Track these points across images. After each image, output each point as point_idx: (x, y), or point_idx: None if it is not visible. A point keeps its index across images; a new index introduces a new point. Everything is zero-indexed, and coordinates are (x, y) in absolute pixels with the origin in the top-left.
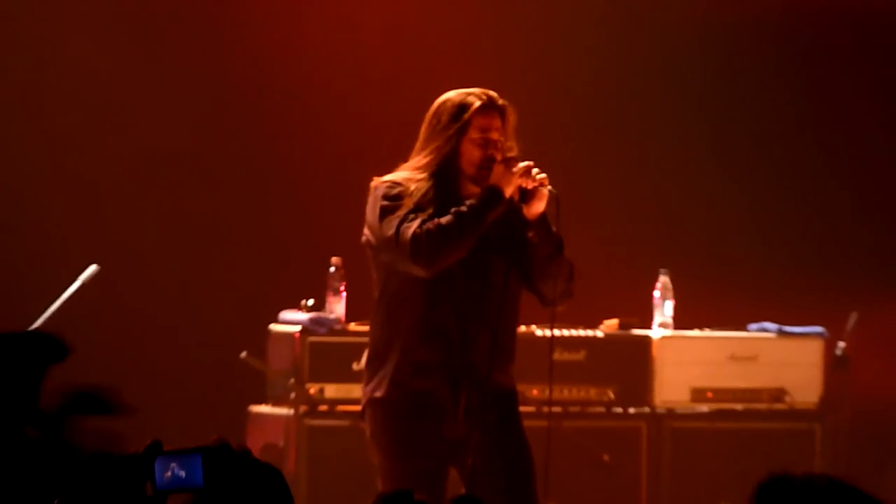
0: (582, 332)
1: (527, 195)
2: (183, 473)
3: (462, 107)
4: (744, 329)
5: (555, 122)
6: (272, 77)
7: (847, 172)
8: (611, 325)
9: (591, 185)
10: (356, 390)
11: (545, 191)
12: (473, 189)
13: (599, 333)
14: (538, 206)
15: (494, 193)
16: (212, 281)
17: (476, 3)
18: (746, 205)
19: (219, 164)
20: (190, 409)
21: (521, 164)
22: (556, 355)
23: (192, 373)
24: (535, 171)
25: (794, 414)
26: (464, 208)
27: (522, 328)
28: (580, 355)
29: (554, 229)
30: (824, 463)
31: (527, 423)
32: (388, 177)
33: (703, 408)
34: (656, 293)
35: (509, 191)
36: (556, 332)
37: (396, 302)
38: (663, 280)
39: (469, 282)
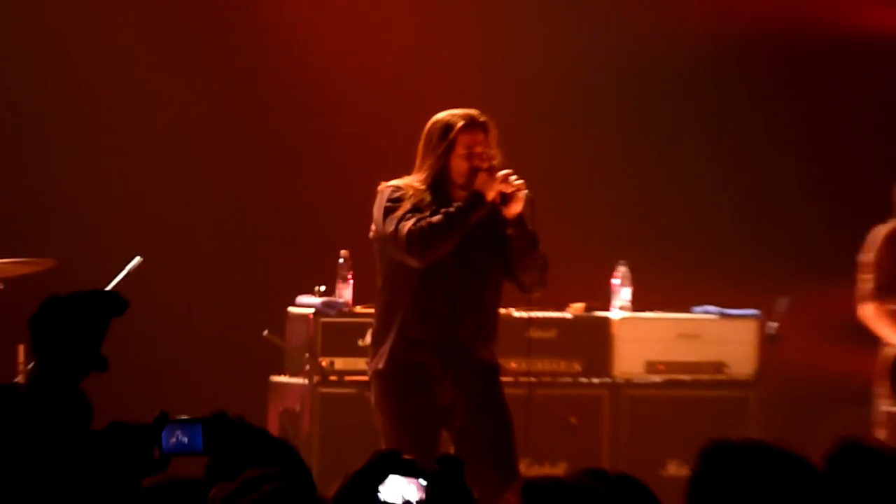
0: (553, 314)
1: (506, 198)
2: (186, 440)
3: (448, 127)
4: (689, 311)
5: (533, 134)
6: (291, 84)
7: (779, 174)
8: (577, 307)
9: (560, 190)
10: (361, 363)
11: (522, 194)
12: (464, 195)
13: (568, 315)
14: (516, 207)
15: (478, 197)
16: (239, 270)
17: (470, 28)
18: (692, 204)
19: (246, 171)
20: (219, 380)
21: (502, 172)
22: (531, 333)
23: (221, 348)
24: (513, 177)
25: (733, 384)
26: (451, 209)
27: (503, 311)
28: (552, 333)
29: (529, 227)
30: (758, 425)
31: (506, 391)
32: (392, 182)
33: (656, 378)
34: (616, 280)
35: (491, 195)
36: (532, 314)
37: (396, 288)
38: (622, 270)
39: (458, 271)
